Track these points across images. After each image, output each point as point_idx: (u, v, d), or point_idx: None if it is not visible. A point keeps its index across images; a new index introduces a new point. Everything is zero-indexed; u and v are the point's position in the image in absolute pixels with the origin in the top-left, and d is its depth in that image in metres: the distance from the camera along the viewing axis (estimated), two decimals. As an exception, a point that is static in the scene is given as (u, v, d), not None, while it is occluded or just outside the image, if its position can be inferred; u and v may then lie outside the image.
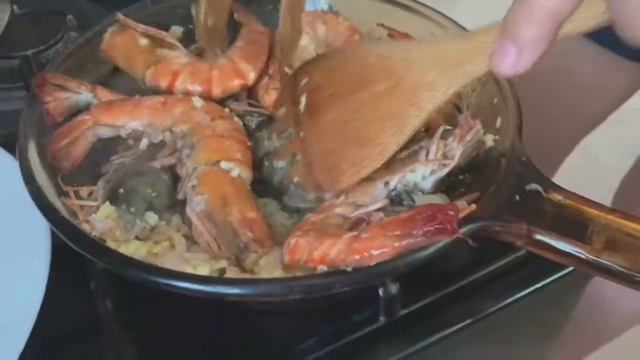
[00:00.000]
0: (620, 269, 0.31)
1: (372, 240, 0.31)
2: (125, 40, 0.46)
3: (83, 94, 0.44)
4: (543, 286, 0.42)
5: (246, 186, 0.40)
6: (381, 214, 0.34)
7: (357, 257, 0.31)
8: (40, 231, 0.38)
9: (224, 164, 0.40)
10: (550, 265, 0.41)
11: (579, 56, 0.66)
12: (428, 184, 0.37)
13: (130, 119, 0.43)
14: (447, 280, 0.41)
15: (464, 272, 0.42)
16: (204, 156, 0.40)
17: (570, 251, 0.32)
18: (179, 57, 0.46)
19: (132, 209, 0.39)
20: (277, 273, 0.34)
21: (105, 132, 0.43)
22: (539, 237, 0.32)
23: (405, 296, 0.38)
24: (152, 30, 0.47)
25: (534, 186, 0.34)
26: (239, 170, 0.40)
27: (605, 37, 0.64)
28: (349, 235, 0.32)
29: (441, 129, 0.38)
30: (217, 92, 0.45)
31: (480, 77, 0.34)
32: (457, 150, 0.37)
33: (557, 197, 0.34)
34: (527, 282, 0.42)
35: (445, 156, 0.37)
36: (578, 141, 0.79)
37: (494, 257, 0.42)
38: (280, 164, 0.41)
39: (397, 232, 0.31)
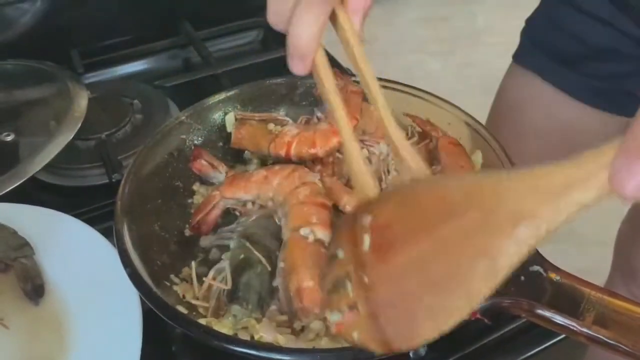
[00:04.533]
0: (607, 340, 0.37)
1: None
2: (247, 130, 0.57)
3: (221, 172, 0.56)
4: (549, 346, 0.48)
5: (318, 251, 0.45)
6: None
7: None
8: (132, 303, 0.46)
9: (302, 231, 0.46)
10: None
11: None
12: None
13: (245, 193, 0.52)
14: (467, 342, 0.48)
15: (481, 335, 0.48)
16: (289, 224, 0.48)
17: (565, 324, 0.38)
18: (290, 129, 0.56)
19: (250, 306, 0.44)
20: (324, 341, 0.42)
21: (230, 203, 0.53)
22: (539, 311, 0.39)
23: (431, 356, 0.45)
24: (264, 115, 0.58)
25: (536, 268, 0.40)
26: (315, 235, 0.46)
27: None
28: None
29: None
30: (320, 152, 0.54)
31: (589, 206, 0.26)
32: None
33: (555, 277, 0.40)
34: (536, 343, 0.48)
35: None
36: None
37: (506, 321, 0.49)
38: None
39: None
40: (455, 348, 0.48)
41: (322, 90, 0.38)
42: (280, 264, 0.46)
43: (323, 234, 0.47)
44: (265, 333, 0.43)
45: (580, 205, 0.26)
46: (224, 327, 0.43)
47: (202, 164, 0.56)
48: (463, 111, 0.55)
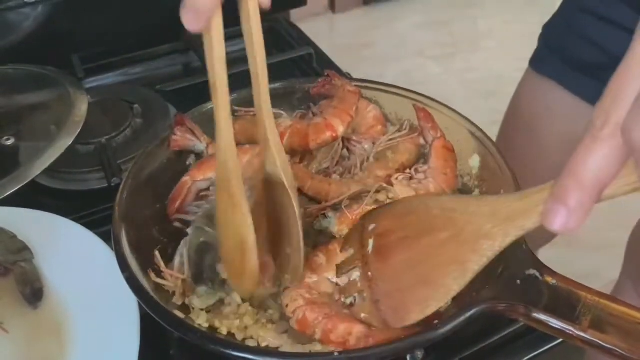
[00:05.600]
0: (604, 344, 0.37)
1: (385, 333, 0.41)
2: (241, 124, 0.57)
3: (202, 142, 0.56)
4: (546, 350, 0.48)
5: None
6: None
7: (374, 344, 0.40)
8: (130, 307, 0.47)
9: None
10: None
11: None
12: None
13: (213, 172, 0.52)
14: (464, 345, 0.48)
15: (478, 339, 0.49)
16: (253, 199, 0.47)
17: (562, 328, 0.38)
18: (285, 121, 0.57)
19: (215, 285, 0.46)
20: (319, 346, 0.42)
21: (202, 185, 0.53)
22: (535, 315, 0.39)
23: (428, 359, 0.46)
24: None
25: (532, 271, 0.41)
26: None
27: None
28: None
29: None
30: (312, 144, 0.55)
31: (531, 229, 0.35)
32: None
33: (552, 281, 0.40)
34: (533, 347, 0.48)
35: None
36: None
37: (503, 325, 0.49)
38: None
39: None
40: (452, 352, 0.48)
41: (209, 58, 0.38)
42: None
43: None
44: (271, 339, 0.43)
45: (525, 229, 0.35)
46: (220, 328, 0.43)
47: (180, 136, 0.55)
48: (462, 116, 0.55)
